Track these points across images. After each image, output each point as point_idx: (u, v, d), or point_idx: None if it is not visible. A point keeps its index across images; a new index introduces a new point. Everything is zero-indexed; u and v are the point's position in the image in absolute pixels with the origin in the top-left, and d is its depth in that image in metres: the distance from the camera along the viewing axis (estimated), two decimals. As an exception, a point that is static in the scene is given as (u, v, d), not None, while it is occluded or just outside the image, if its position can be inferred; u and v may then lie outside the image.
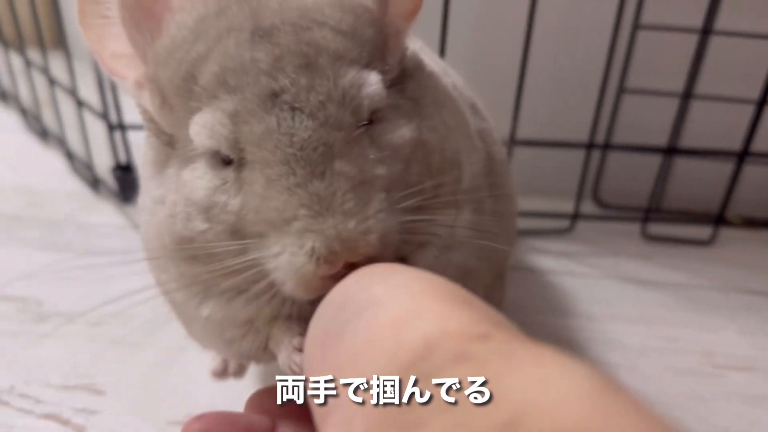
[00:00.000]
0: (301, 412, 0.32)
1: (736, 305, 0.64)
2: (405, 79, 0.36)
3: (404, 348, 0.21)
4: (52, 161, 0.84)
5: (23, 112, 0.91)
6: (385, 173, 0.31)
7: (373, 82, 0.31)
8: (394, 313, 0.22)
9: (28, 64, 0.80)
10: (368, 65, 0.32)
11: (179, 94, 0.31)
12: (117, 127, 0.67)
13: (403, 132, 0.33)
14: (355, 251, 0.29)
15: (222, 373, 0.54)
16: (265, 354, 0.37)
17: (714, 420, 0.52)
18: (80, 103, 0.70)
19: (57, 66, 0.76)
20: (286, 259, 0.29)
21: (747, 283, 0.67)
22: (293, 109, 0.29)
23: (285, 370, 0.35)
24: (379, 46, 0.33)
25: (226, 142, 0.30)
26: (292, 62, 0.30)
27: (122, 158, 0.69)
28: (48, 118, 0.85)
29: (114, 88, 0.66)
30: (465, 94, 0.45)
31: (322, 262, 0.28)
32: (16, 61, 0.87)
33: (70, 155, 0.80)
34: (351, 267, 0.29)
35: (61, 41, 0.69)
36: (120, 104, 0.67)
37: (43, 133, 0.87)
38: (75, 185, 0.79)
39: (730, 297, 0.65)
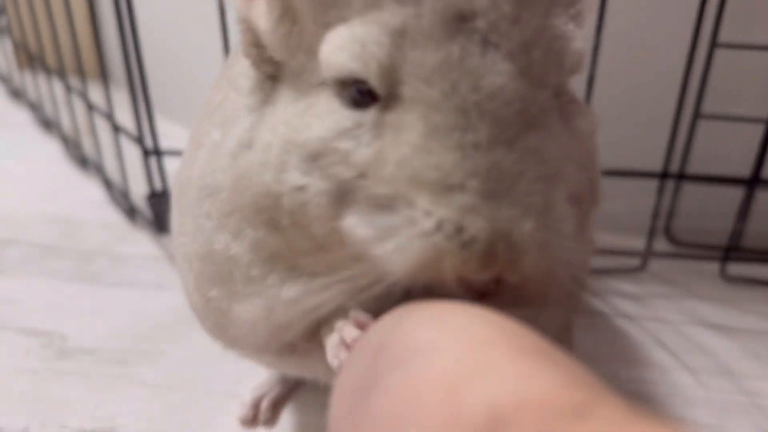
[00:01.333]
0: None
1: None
2: None
3: (461, 420, 0.15)
4: (90, 190, 0.82)
5: (64, 140, 0.91)
6: (570, 176, 0.24)
7: (578, 39, 0.25)
8: (448, 365, 0.17)
9: (68, 89, 0.79)
10: (569, 7, 0.25)
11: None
12: (152, 153, 0.64)
13: (592, 118, 0.26)
14: (517, 266, 0.21)
15: (251, 420, 0.49)
16: (310, 341, 0.30)
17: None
18: (116, 128, 0.68)
19: (96, 95, 0.75)
20: (428, 231, 0.21)
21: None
22: (486, 42, 0.22)
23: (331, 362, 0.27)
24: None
25: (378, 68, 0.23)
26: None
27: (157, 185, 0.66)
28: (87, 147, 0.84)
29: (150, 115, 0.63)
30: None
31: (473, 261, 0.21)
32: (58, 90, 0.86)
33: (108, 183, 0.78)
34: (494, 286, 0.22)
35: (101, 69, 0.68)
36: (156, 131, 0.64)
37: (83, 161, 0.86)
38: (111, 214, 0.76)
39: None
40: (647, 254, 0.66)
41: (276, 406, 0.49)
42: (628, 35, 0.62)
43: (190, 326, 0.56)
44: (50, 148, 0.93)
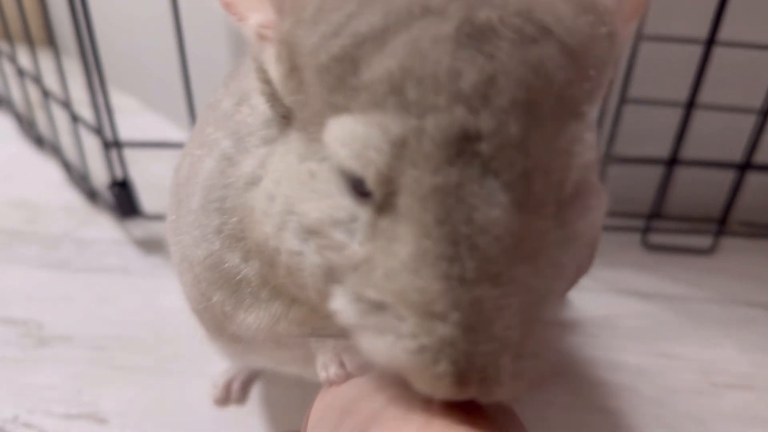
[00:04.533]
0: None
1: (735, 318, 0.64)
2: None
3: None
4: (48, 171, 0.83)
5: (18, 117, 0.90)
6: (562, 287, 0.24)
7: (588, 144, 0.23)
8: None
9: (20, 73, 0.79)
10: (586, 108, 0.23)
11: (323, 75, 0.23)
12: (113, 145, 0.66)
13: (594, 217, 0.24)
14: (490, 395, 0.21)
15: (224, 400, 0.54)
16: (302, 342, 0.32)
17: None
18: (75, 118, 0.69)
19: (47, 67, 0.73)
20: (410, 350, 0.21)
21: (747, 294, 0.67)
22: (486, 169, 0.21)
23: (320, 372, 0.30)
24: (604, 68, 0.24)
25: (376, 174, 0.22)
26: (507, 93, 0.21)
27: (118, 174, 0.68)
28: (42, 124, 0.84)
29: (108, 105, 0.64)
30: None
31: (443, 388, 0.21)
32: (7, 67, 0.85)
33: (66, 165, 0.79)
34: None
35: (50, 41, 0.67)
36: (114, 121, 0.66)
37: (39, 141, 0.85)
38: (72, 197, 0.78)
39: (730, 310, 0.65)
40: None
41: (245, 387, 0.54)
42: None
43: (157, 311, 0.61)
44: (3, 126, 0.93)
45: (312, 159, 0.24)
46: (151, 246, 0.70)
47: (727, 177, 0.69)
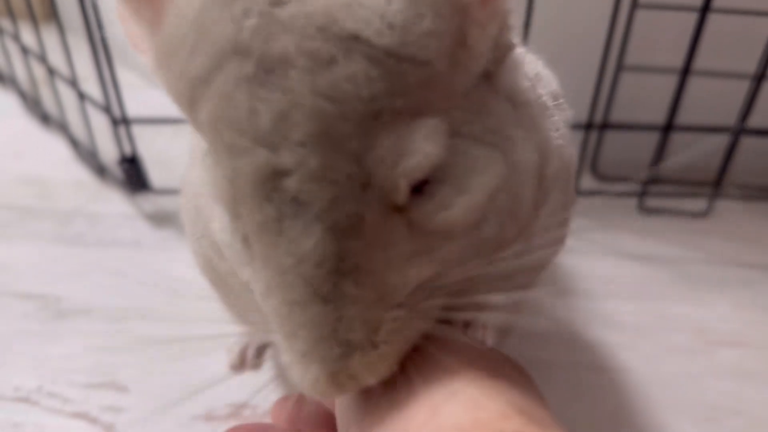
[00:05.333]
0: (323, 421, 0.34)
1: (730, 279, 0.66)
2: (498, 66, 0.26)
3: None
4: (56, 147, 0.83)
5: (22, 95, 0.90)
6: (417, 274, 0.24)
7: (420, 145, 0.22)
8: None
9: (24, 51, 0.79)
10: (425, 101, 0.22)
11: (183, 111, 0.25)
12: (121, 122, 0.67)
13: (465, 201, 0.24)
14: (362, 384, 0.24)
15: (239, 365, 0.56)
16: None
17: (702, 397, 0.54)
18: (82, 96, 0.70)
19: (51, 42, 0.73)
20: (296, 374, 0.24)
21: (741, 256, 0.69)
22: (297, 202, 0.22)
23: None
24: (457, 40, 0.23)
25: (227, 208, 0.24)
26: (301, 127, 0.21)
27: (127, 150, 0.69)
28: (47, 101, 0.84)
29: (115, 82, 0.65)
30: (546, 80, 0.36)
31: (329, 389, 0.23)
32: (10, 45, 0.86)
33: (73, 142, 0.80)
34: None
35: (54, 17, 0.67)
36: (122, 98, 0.67)
37: (44, 118, 0.86)
38: (81, 173, 0.79)
39: (725, 271, 0.67)
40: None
41: (260, 352, 0.56)
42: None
43: (171, 282, 0.62)
44: (8, 103, 0.93)
45: None
46: (162, 219, 0.71)
47: (723, 140, 0.71)
